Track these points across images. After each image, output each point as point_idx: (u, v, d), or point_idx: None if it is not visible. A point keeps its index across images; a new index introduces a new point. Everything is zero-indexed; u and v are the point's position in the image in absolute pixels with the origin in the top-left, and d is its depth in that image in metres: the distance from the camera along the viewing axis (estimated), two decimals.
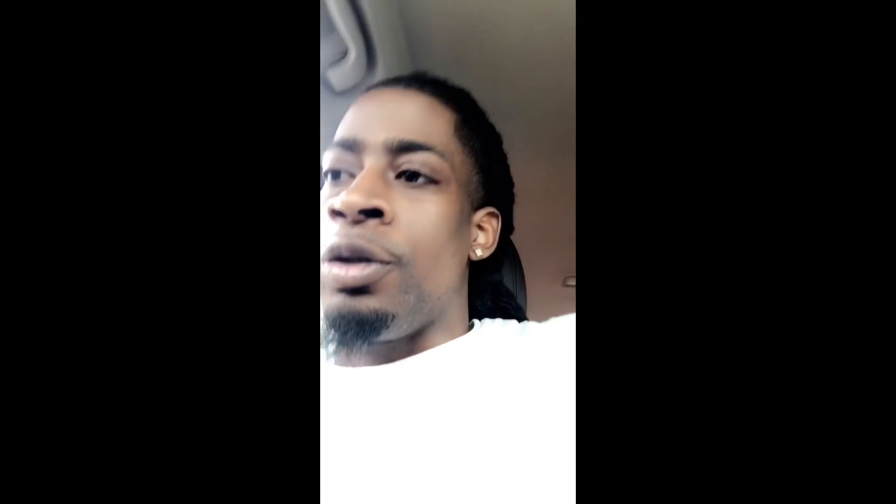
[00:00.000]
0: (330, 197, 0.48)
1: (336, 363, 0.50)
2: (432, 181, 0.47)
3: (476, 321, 0.54)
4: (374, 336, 0.44)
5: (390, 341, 0.47)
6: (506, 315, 0.61)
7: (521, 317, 0.62)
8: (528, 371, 0.45)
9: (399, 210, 0.46)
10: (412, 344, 0.49)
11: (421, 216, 0.47)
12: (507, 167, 0.57)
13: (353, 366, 0.48)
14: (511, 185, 0.58)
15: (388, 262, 0.45)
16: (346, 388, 0.47)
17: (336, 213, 0.45)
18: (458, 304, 0.52)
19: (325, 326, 0.45)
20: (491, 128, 0.55)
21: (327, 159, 0.50)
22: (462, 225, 0.50)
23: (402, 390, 0.46)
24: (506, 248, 0.58)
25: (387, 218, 0.45)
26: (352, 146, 0.48)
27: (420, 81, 0.52)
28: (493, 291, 0.60)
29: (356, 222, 0.45)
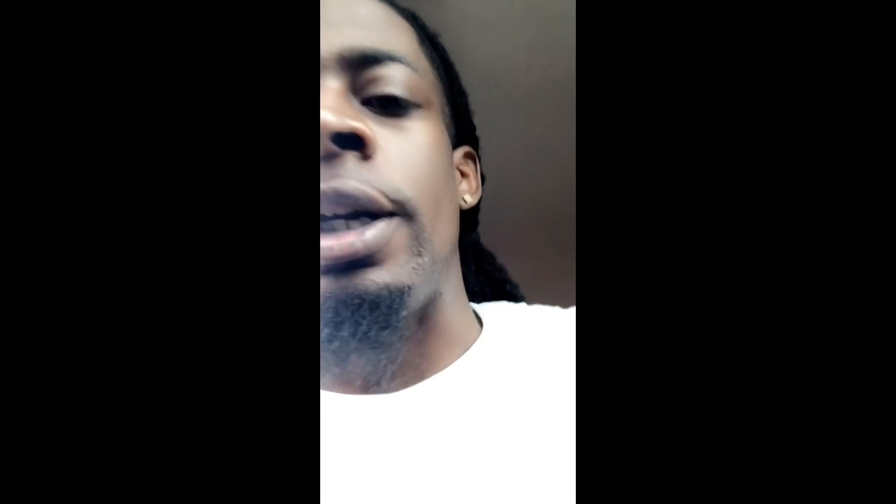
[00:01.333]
0: None
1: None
2: (412, 104, 0.36)
3: (475, 305, 0.45)
4: (385, 324, 0.32)
5: (395, 327, 0.34)
6: (489, 279, 0.52)
7: (504, 278, 0.53)
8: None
9: (382, 141, 0.34)
10: (423, 330, 0.36)
11: (412, 147, 0.35)
12: (468, 104, 0.48)
13: (343, 378, 0.35)
14: (475, 127, 0.49)
15: (391, 214, 0.33)
16: (368, 418, 0.35)
17: None
18: (457, 269, 0.42)
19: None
20: (447, 54, 0.45)
21: None
22: (451, 164, 0.40)
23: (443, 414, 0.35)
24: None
25: (369, 149, 0.33)
26: None
27: None
28: (475, 252, 0.51)
29: (329, 156, 0.32)
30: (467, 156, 0.45)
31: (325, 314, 0.32)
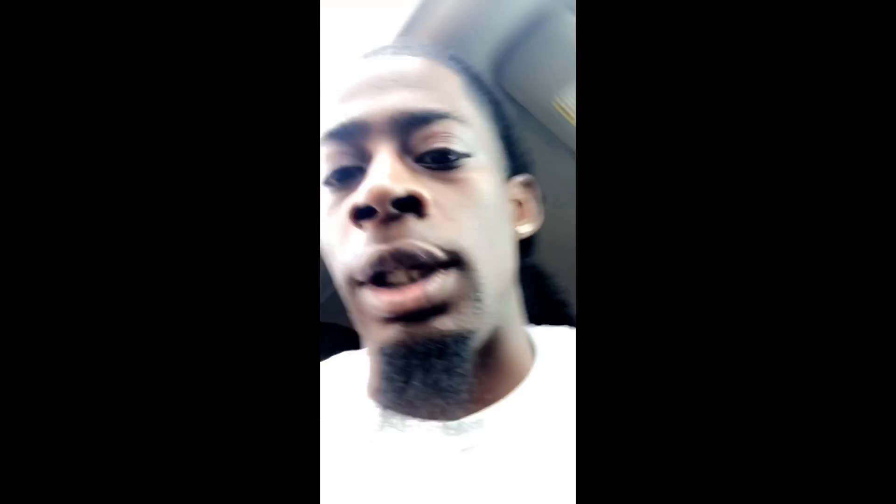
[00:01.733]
0: (333, 205, 0.38)
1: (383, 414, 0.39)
2: (463, 155, 0.38)
3: (530, 329, 0.46)
4: (452, 370, 0.34)
5: (461, 374, 0.36)
6: (547, 301, 0.53)
7: (562, 299, 0.54)
8: None
9: (437, 197, 0.36)
10: (482, 363, 0.38)
11: (465, 198, 0.37)
12: (518, 133, 0.49)
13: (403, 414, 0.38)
14: (526, 153, 0.50)
15: (448, 265, 0.35)
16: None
17: (360, 214, 0.35)
18: (515, 299, 0.43)
19: (385, 377, 0.35)
20: (492, 90, 0.47)
21: (323, 160, 0.38)
22: (504, 200, 0.42)
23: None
24: None
25: (425, 208, 0.35)
26: (351, 132, 0.37)
27: (409, 48, 0.42)
28: (533, 276, 0.52)
29: (390, 219, 0.35)
30: (525, 184, 0.46)
31: (397, 362, 0.34)
